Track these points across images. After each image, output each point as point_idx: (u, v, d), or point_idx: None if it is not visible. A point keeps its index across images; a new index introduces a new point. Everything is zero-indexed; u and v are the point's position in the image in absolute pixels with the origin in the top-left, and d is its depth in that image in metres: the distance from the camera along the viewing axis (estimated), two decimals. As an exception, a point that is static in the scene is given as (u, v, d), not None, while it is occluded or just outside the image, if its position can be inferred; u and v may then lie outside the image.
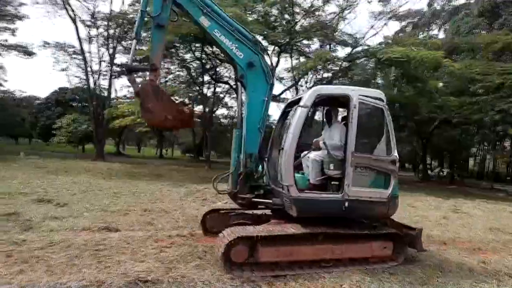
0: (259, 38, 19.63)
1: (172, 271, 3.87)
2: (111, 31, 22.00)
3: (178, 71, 24.96)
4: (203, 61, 21.33)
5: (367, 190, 4.45)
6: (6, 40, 23.16)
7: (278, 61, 21.16)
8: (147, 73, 4.60)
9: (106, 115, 20.68)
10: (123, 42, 22.83)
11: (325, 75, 20.67)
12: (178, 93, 21.70)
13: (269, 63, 23.62)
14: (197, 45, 19.14)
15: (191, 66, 22.97)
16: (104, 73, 24.02)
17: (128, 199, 8.53)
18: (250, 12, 18.06)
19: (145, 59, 21.16)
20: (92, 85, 22.80)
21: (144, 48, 20.82)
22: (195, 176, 16.24)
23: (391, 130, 4.60)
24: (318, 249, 4.25)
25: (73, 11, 20.75)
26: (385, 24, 21.54)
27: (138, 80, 4.97)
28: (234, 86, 23.60)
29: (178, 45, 18.24)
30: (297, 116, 4.39)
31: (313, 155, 4.80)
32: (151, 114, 4.52)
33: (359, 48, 20.03)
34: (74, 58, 23.81)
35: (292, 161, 4.31)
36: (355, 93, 4.53)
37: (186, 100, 24.12)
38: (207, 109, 23.57)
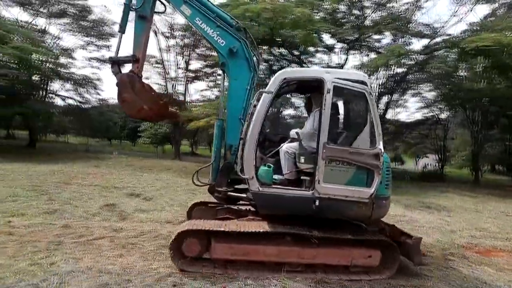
0: (327, 36, 19.30)
1: (246, 265, 4.08)
2: (186, 40, 23.86)
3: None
4: (270, 62, 21.70)
5: (342, 188, 3.90)
6: (103, 56, 26.83)
7: (346, 59, 20.48)
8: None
9: (182, 118, 22.45)
10: (196, 50, 24.52)
11: (398, 70, 19.30)
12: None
13: (336, 61, 22.86)
14: (264, 47, 19.55)
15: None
16: (180, 79, 26.12)
17: (203, 195, 9.18)
18: (316, 11, 17.83)
19: (216, 64, 22.45)
20: (170, 90, 25.00)
21: (214, 53, 22.02)
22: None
23: (375, 118, 3.97)
24: (282, 251, 3.86)
25: (155, 25, 23.06)
26: (470, 9, 19.10)
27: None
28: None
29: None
30: (260, 104, 4.02)
31: (285, 146, 4.40)
32: (127, 104, 4.52)
33: (438, 39, 18.23)
34: (155, 67, 26.38)
35: (253, 152, 3.95)
36: (329, 76, 3.99)
37: (255, 102, 24.83)
38: (274, 110, 23.88)
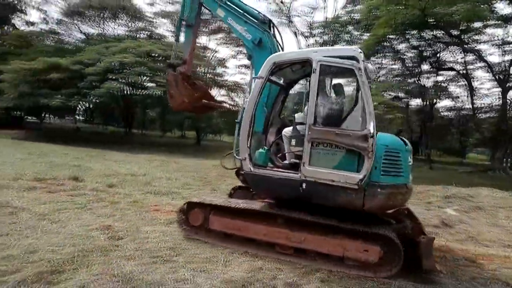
0: (501, 4, 15.48)
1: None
2: (325, 37, 23.77)
3: (391, 64, 23.60)
4: (421, 48, 19.09)
5: (328, 171, 3.72)
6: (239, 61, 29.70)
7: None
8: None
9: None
10: (335, 46, 24.10)
11: None
12: (393, 88, 20.45)
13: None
14: (412, 32, 17.38)
15: (405, 56, 21.12)
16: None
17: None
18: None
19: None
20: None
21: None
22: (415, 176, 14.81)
23: (365, 96, 3.64)
24: (271, 231, 4.02)
25: (295, 26, 24.06)
26: None
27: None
28: (462, 72, 19.75)
29: (392, 36, 17.19)
30: (253, 89, 4.26)
31: (284, 130, 4.60)
32: (173, 99, 5.37)
33: None
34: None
35: (246, 134, 4.18)
36: (316, 54, 3.93)
37: (402, 94, 22.40)
38: (426, 102, 20.98)
